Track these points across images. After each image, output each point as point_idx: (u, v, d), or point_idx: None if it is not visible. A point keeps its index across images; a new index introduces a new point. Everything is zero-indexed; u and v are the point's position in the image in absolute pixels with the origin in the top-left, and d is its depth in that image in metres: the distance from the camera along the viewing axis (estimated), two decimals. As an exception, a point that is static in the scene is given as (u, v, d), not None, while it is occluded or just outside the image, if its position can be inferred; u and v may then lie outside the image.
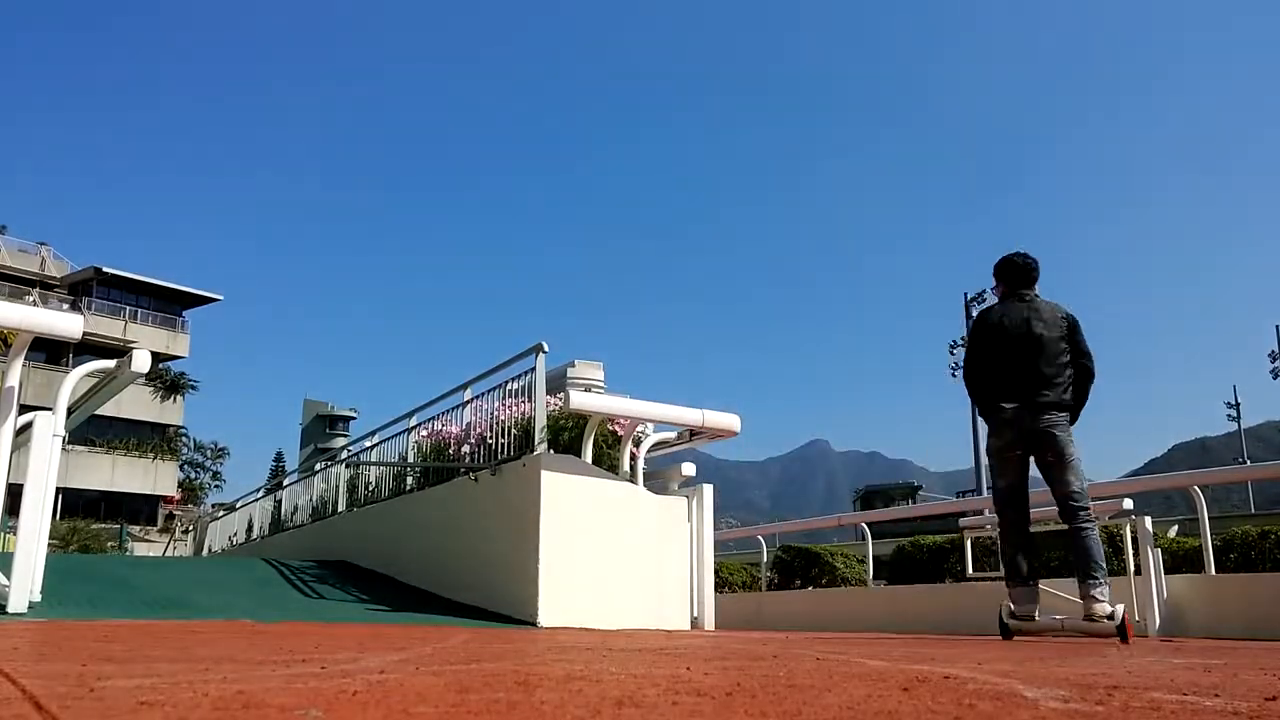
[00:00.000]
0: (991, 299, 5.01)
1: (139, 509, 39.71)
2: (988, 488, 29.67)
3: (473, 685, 1.50)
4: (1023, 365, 4.45)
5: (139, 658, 2.05)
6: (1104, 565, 4.29)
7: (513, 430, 5.80)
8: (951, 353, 32.64)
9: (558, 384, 6.43)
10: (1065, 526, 4.51)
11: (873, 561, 9.01)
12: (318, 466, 10.96)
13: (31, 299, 34.06)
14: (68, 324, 3.97)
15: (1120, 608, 4.20)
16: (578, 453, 5.68)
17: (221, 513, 17.16)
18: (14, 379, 3.85)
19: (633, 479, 5.89)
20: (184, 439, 44.60)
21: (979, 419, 32.60)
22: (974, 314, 32.95)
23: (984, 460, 30.36)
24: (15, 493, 4.13)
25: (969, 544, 7.41)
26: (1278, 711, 1.31)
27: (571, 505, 5.29)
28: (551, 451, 5.59)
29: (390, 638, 3.17)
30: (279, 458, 73.50)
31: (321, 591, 6.21)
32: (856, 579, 9.53)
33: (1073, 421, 4.50)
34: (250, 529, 13.01)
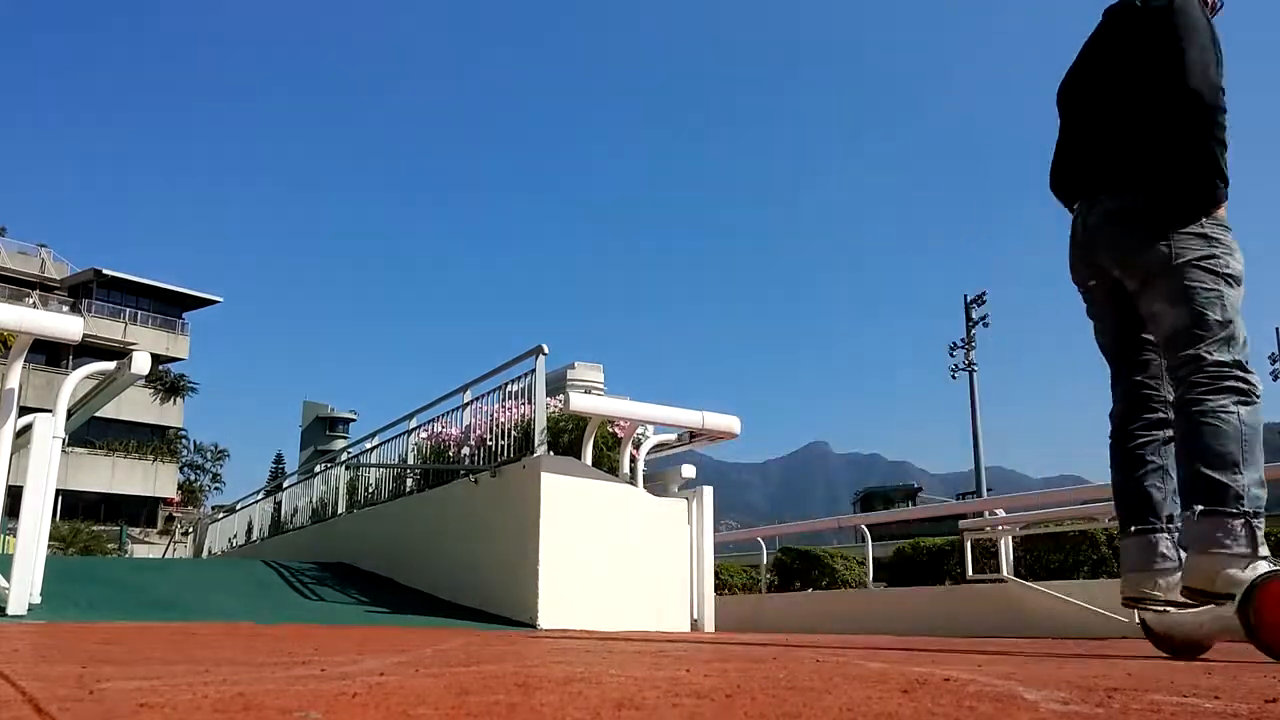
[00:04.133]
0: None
1: (139, 511, 39.73)
2: (987, 489, 29.59)
3: (472, 687, 1.50)
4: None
5: (139, 660, 2.05)
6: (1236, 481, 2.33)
7: (512, 432, 5.80)
8: (951, 354, 32.59)
9: (558, 386, 6.44)
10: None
11: (872, 563, 9.01)
12: (317, 468, 10.96)
13: (31, 301, 34.07)
14: (68, 326, 3.97)
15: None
16: (578, 455, 5.68)
17: (221, 515, 17.16)
18: (14, 381, 3.85)
19: (633, 481, 5.89)
20: (184, 441, 44.64)
21: (979, 419, 31.91)
22: (973, 315, 32.86)
23: (984, 461, 30.29)
24: (15, 494, 4.13)
25: (969, 546, 7.41)
26: (1277, 714, 1.31)
27: (571, 507, 5.29)
28: (551, 453, 5.59)
29: (390, 640, 3.16)
30: (279, 460, 73.49)
31: (321, 593, 6.21)
32: (856, 581, 9.53)
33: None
34: (250, 531, 13.01)
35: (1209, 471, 2.20)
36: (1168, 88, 2.37)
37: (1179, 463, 2.35)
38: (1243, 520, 2.17)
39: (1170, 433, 2.45)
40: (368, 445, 9.16)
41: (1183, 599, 2.27)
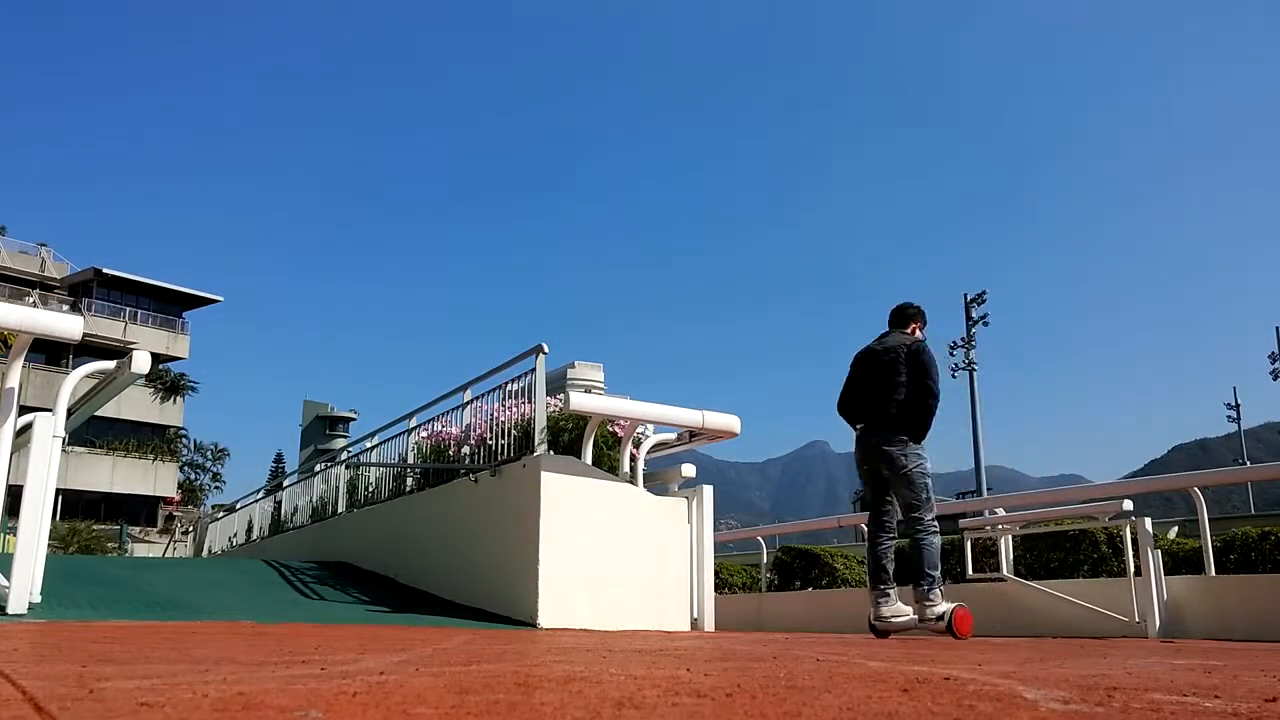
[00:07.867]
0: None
1: (139, 510, 39.70)
2: (987, 489, 29.67)
3: (473, 686, 1.50)
4: (864, 390, 5.10)
5: (139, 659, 2.05)
6: (936, 572, 4.78)
7: (513, 431, 5.79)
8: (951, 353, 32.61)
9: (558, 385, 6.43)
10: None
11: (873, 563, 9.00)
12: (318, 467, 10.96)
13: (31, 300, 34.05)
14: (68, 325, 3.97)
15: (950, 607, 4.67)
16: (578, 454, 5.68)
17: (221, 514, 17.16)
18: (14, 380, 3.85)
19: (633, 480, 5.89)
20: (184, 440, 44.58)
21: (979, 419, 32.34)
22: (973, 315, 33.00)
23: (984, 461, 30.40)
24: (15, 494, 4.13)
25: (969, 545, 7.41)
26: (1277, 713, 1.32)
27: (571, 506, 5.28)
28: (551, 452, 5.59)
29: (390, 639, 3.17)
30: (279, 459, 73.49)
31: (321, 593, 6.21)
32: (856, 580, 9.52)
33: (917, 439, 4.93)
34: (250, 530, 13.01)
35: (926, 569, 4.76)
36: (917, 387, 4.94)
37: (912, 559, 4.82)
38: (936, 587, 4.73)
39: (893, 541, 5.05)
40: (368, 444, 9.16)
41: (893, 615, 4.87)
